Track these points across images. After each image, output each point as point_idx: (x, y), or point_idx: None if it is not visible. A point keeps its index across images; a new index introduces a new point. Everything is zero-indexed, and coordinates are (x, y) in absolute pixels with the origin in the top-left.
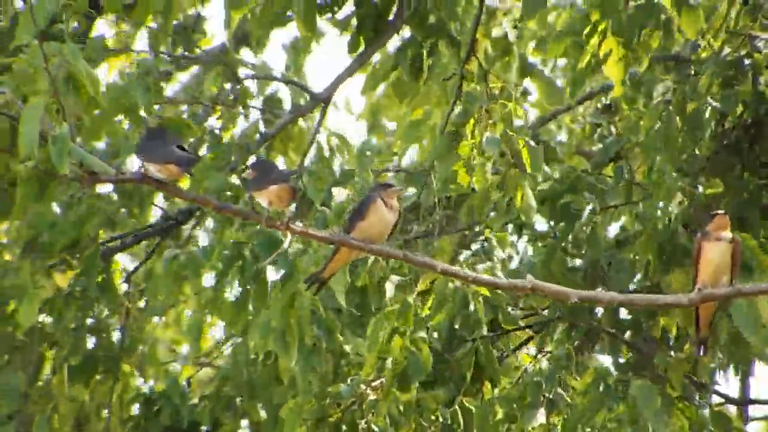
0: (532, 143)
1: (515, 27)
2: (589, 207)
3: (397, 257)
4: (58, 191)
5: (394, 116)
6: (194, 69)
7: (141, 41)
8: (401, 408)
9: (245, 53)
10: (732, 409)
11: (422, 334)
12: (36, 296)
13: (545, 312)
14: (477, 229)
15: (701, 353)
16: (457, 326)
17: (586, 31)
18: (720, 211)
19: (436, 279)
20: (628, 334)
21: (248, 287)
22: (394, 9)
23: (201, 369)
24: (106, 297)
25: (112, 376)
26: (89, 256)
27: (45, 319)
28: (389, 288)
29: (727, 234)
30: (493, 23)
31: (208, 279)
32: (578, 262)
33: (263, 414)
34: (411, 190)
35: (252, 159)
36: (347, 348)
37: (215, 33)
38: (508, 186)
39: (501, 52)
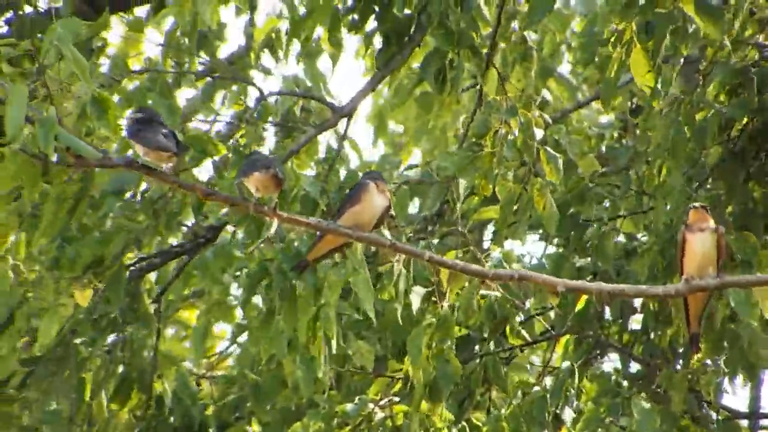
0: (552, 151)
1: (535, 31)
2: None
3: (383, 245)
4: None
5: (401, 120)
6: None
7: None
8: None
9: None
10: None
11: (449, 344)
12: (57, 313)
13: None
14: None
15: (693, 349)
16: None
17: (611, 40)
18: (695, 204)
19: (463, 288)
20: (636, 345)
21: (275, 302)
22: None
23: (209, 371)
24: (137, 317)
25: (144, 394)
26: (114, 274)
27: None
28: (415, 300)
29: (710, 224)
30: (511, 29)
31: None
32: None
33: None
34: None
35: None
36: (350, 352)
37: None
38: (531, 195)
39: (520, 56)
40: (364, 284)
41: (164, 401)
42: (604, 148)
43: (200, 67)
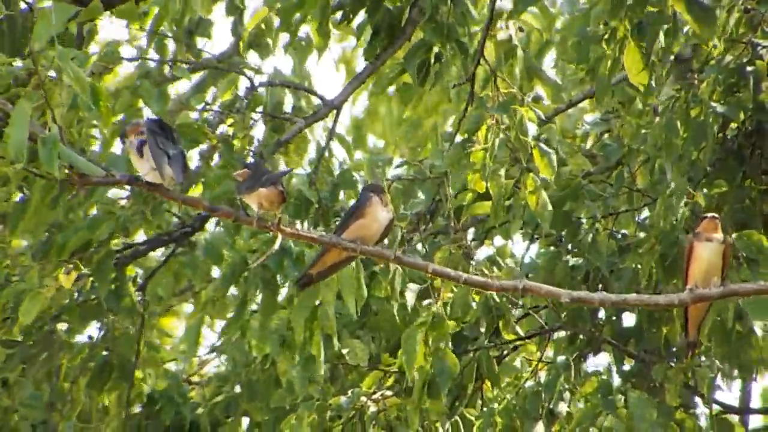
0: (545, 147)
1: (520, 30)
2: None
3: (387, 258)
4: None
5: (379, 133)
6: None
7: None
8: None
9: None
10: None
11: (446, 341)
12: (39, 295)
13: (542, 313)
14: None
15: (689, 356)
16: (483, 330)
17: (604, 37)
18: (710, 214)
19: (457, 287)
20: (631, 342)
21: (248, 292)
22: (406, 15)
23: (200, 368)
24: (121, 305)
25: (125, 383)
26: (100, 260)
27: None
28: (410, 297)
29: (719, 235)
30: (497, 28)
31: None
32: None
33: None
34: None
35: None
36: (344, 351)
37: (221, 36)
38: (523, 191)
39: (506, 55)
40: (347, 279)
41: (154, 400)
42: (589, 147)
43: (186, 65)
